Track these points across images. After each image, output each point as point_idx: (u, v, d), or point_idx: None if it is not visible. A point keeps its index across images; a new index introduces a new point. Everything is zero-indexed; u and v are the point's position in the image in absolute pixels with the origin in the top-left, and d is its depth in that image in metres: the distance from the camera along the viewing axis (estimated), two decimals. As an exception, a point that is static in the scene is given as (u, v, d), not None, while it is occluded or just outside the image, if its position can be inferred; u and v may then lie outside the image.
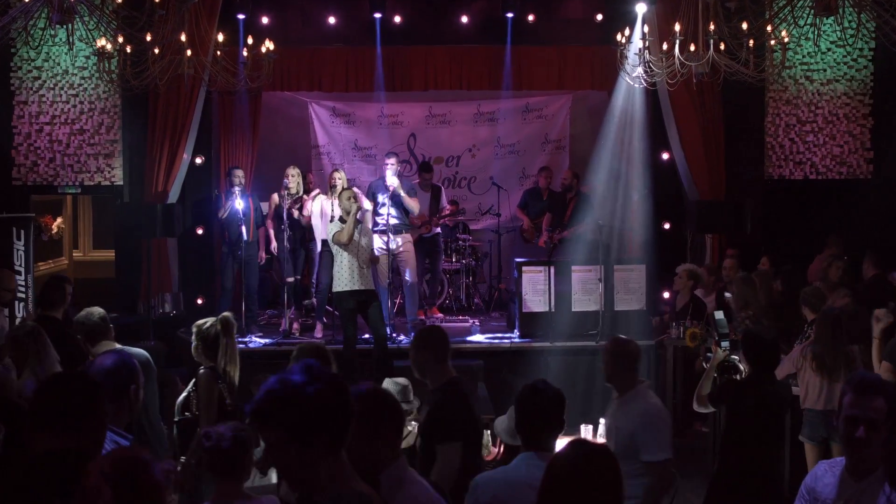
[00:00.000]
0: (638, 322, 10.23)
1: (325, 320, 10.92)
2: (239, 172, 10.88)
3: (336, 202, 10.09)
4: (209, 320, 6.11)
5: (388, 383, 6.69)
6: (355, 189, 10.17)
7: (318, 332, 10.77)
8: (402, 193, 10.71)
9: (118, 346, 6.28)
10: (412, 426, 6.15)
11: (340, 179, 10.67)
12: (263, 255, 11.19)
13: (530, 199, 12.72)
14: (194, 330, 6.10)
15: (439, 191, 12.22)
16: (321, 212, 10.76)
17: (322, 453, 2.70)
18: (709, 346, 8.41)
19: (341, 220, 9.48)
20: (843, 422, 3.73)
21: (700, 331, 8.98)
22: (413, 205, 10.91)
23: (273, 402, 2.68)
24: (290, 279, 10.91)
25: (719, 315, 7.33)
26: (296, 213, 10.80)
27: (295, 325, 11.03)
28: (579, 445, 3.06)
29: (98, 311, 6.45)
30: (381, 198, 10.53)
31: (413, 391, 6.80)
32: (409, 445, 5.78)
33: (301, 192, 10.95)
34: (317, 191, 11.23)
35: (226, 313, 6.20)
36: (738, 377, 6.58)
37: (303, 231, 11.05)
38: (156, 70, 8.84)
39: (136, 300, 11.44)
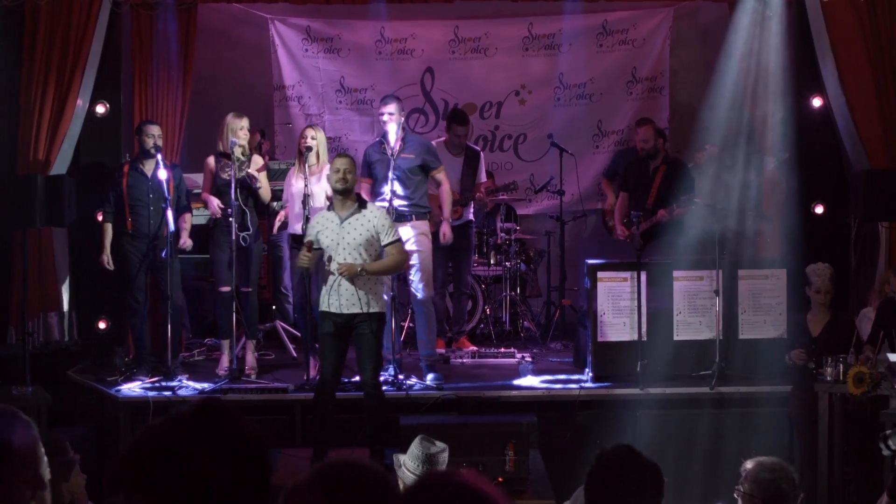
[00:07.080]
0: (775, 357, 10.20)
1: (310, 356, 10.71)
2: (154, 130, 10.88)
3: (314, 178, 10.18)
4: None
5: (415, 446, 6.79)
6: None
7: (313, 369, 10.49)
8: (411, 157, 10.61)
9: None
10: None
11: (315, 140, 10.76)
12: (188, 241, 11.12)
13: (623, 166, 12.69)
14: None
15: (477, 157, 12.21)
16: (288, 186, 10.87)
17: None
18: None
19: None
20: None
21: (868, 369, 9.00)
22: (445, 201, 10.86)
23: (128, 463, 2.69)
24: (226, 289, 10.79)
25: None
26: (256, 177, 10.68)
27: (249, 362, 10.98)
28: None
29: None
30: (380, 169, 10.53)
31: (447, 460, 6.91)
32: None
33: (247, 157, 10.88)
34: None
35: None
36: None
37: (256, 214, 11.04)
38: (37, -27, 8.93)
39: (4, 324, 11.54)
